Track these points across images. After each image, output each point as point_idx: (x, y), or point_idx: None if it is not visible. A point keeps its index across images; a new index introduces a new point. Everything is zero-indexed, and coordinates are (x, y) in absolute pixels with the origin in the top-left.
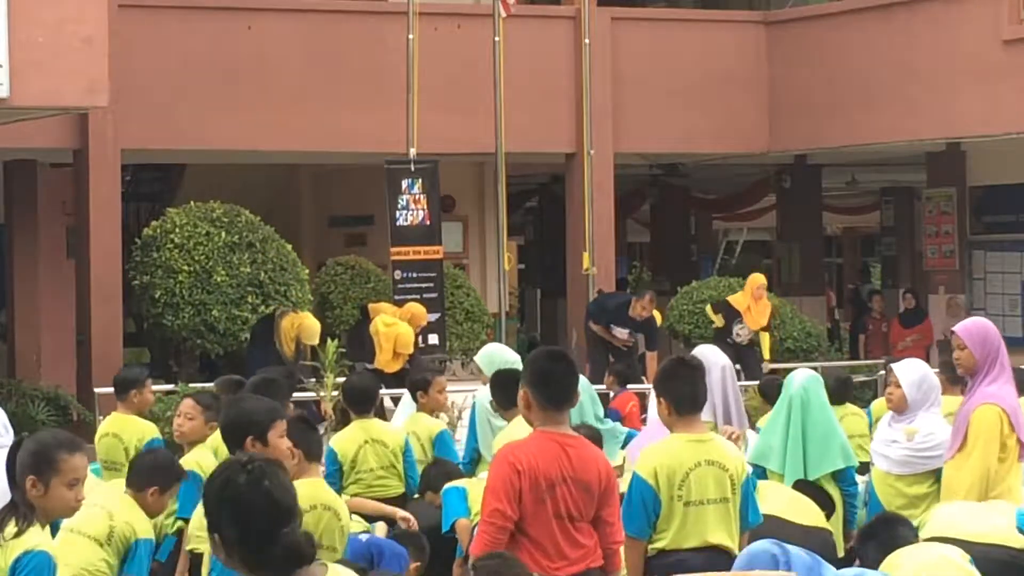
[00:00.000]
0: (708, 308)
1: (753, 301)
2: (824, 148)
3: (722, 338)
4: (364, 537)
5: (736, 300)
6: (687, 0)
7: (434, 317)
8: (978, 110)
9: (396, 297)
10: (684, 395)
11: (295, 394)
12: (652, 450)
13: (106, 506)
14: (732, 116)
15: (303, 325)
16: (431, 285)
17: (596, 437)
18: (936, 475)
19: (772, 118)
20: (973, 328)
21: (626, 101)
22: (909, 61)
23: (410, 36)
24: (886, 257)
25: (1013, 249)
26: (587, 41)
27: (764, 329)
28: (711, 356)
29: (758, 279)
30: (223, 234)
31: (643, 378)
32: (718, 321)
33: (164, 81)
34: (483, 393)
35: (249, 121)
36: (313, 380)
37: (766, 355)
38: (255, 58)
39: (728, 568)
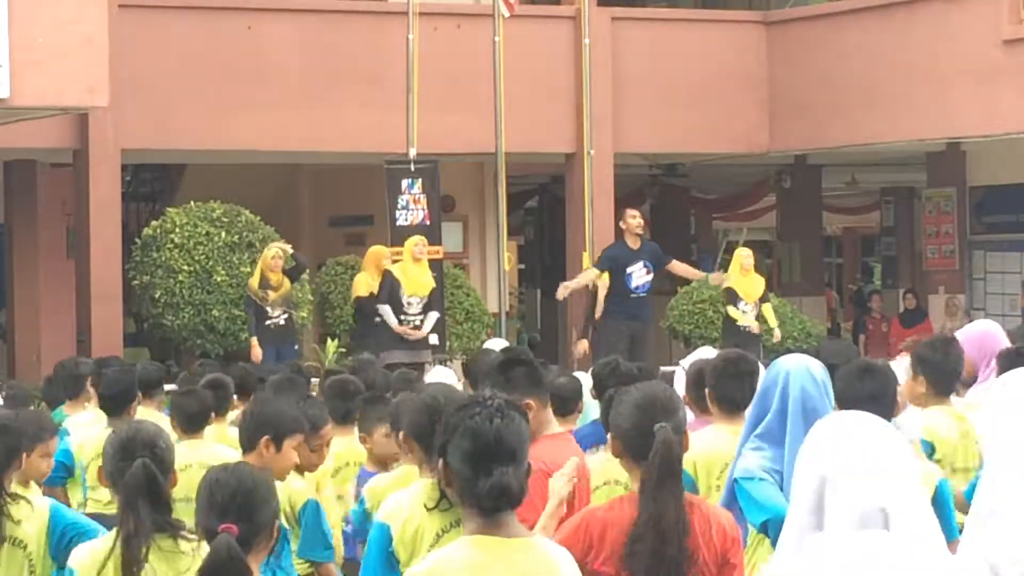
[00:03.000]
0: (728, 309)
1: (742, 275)
2: (824, 148)
3: (732, 329)
4: None
5: (731, 283)
6: (687, 0)
7: (434, 317)
8: (978, 110)
9: (401, 317)
10: (731, 397)
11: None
12: (692, 441)
13: None
14: (732, 116)
15: (263, 255)
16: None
17: None
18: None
19: (772, 118)
20: None
21: (626, 101)
22: (909, 61)
23: (410, 36)
24: (886, 257)
25: (1013, 249)
26: (587, 41)
27: (763, 300)
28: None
29: (743, 252)
30: (223, 234)
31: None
32: (738, 316)
33: (164, 81)
34: None
35: (249, 121)
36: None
37: (772, 323)
38: (255, 58)
39: None
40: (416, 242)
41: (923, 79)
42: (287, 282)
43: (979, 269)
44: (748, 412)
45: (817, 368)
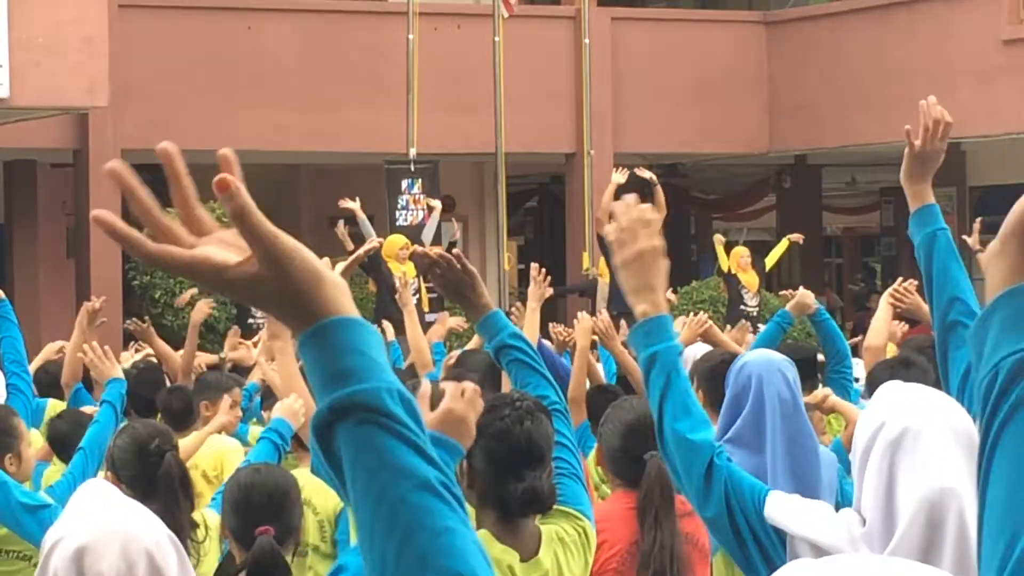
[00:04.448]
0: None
1: (741, 271)
2: (824, 148)
3: (736, 310)
4: None
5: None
6: (687, 0)
7: (434, 317)
8: (978, 110)
9: (395, 297)
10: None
11: None
12: None
13: None
14: (732, 116)
15: None
16: (431, 285)
17: None
18: None
19: (772, 118)
20: None
21: (626, 101)
22: (909, 61)
23: (410, 36)
24: (886, 257)
25: None
26: (587, 41)
27: (760, 289)
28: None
29: (740, 250)
30: None
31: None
32: (723, 263)
33: (164, 81)
34: None
35: (249, 121)
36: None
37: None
38: (255, 58)
39: None
40: (402, 245)
41: (923, 79)
42: None
43: (979, 269)
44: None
45: (788, 368)
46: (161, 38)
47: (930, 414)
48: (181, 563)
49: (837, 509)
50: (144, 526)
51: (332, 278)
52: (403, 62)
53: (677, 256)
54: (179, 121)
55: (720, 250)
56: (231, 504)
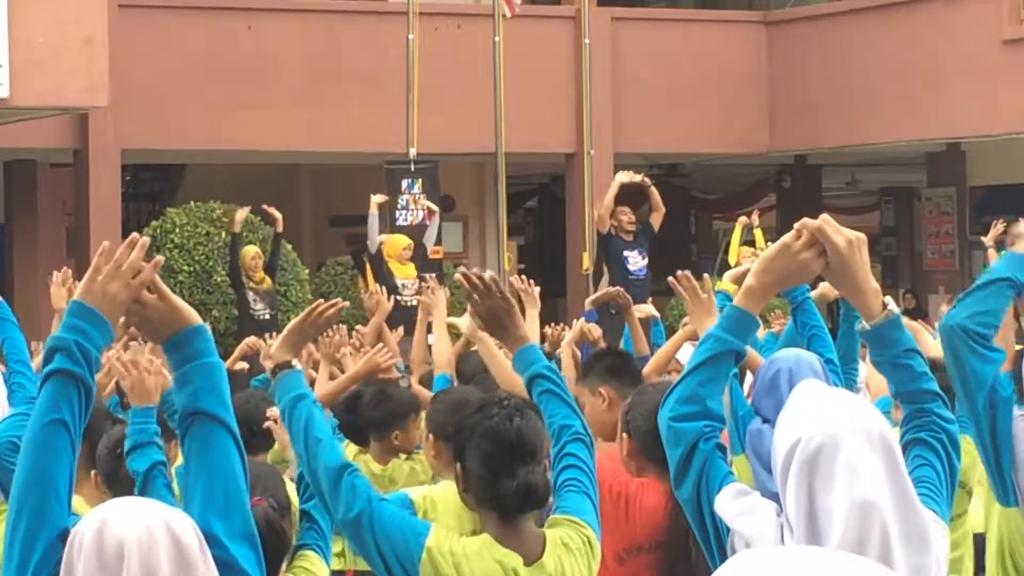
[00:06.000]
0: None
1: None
2: (824, 148)
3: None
4: None
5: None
6: (687, 0)
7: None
8: (978, 110)
9: (396, 297)
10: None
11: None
12: None
13: None
14: (732, 116)
15: (241, 254)
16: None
17: None
18: None
19: (772, 118)
20: None
21: (626, 101)
22: (909, 61)
23: (410, 36)
24: (886, 257)
25: None
26: (587, 41)
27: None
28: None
29: (746, 250)
30: (223, 234)
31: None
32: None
33: (164, 81)
34: None
35: (249, 121)
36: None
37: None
38: (255, 58)
39: None
40: (404, 245)
41: (923, 79)
42: (269, 279)
43: (979, 269)
44: (753, 405)
45: (815, 361)
46: (161, 38)
47: (845, 425)
48: (202, 549)
49: None
50: (163, 508)
51: None
52: (403, 62)
53: (677, 256)
54: (179, 121)
55: (736, 237)
56: None
